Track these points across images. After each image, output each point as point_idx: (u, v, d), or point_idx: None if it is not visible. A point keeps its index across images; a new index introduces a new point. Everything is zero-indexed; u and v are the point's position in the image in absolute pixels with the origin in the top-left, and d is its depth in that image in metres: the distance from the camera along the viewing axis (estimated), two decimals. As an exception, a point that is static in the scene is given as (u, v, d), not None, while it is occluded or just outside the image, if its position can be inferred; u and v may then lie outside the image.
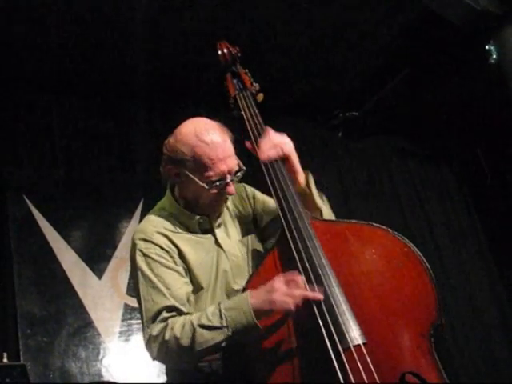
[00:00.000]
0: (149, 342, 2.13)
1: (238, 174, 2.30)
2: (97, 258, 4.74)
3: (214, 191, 2.25)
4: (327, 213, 2.37)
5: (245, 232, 2.45)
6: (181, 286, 2.19)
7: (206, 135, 2.22)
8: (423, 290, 2.02)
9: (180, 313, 2.14)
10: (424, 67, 5.55)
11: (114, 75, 5.01)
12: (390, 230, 2.14)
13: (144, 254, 2.23)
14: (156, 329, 2.11)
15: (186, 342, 2.04)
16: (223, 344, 2.04)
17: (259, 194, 2.55)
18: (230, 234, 2.41)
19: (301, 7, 4.80)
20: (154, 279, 2.19)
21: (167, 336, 2.07)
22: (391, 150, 6.82)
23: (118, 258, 4.74)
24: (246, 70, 2.68)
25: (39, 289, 4.43)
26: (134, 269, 2.26)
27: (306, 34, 5.13)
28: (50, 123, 4.94)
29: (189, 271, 2.25)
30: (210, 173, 2.21)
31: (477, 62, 5.20)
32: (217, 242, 2.35)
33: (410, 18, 5.12)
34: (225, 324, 2.00)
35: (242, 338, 2.02)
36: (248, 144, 2.42)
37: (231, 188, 2.28)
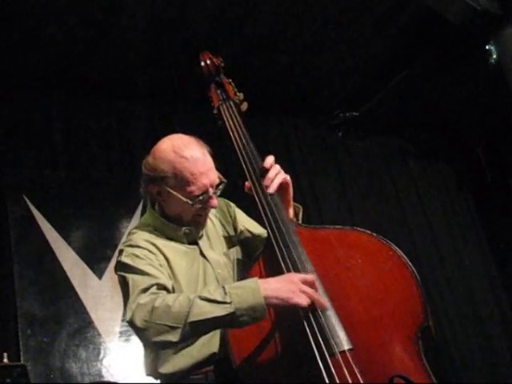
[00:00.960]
0: (134, 313, 1.96)
1: (220, 186, 2.29)
2: (97, 258, 4.73)
3: (198, 206, 2.23)
4: None
5: (229, 244, 2.43)
6: (167, 280, 2.12)
7: (184, 150, 2.21)
8: (409, 294, 2.01)
9: (169, 292, 2.07)
10: (424, 67, 5.55)
11: (115, 75, 5.02)
12: (374, 234, 2.13)
13: (130, 254, 2.19)
14: (144, 299, 1.97)
15: (178, 310, 1.88)
16: (220, 322, 1.89)
17: (240, 212, 2.55)
18: (213, 246, 2.39)
19: (300, 7, 4.81)
20: (141, 269, 2.12)
21: (157, 303, 1.92)
22: (391, 149, 6.82)
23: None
24: (230, 80, 2.66)
25: (39, 289, 4.43)
26: (119, 267, 2.21)
27: (306, 34, 5.14)
28: (49, 123, 4.95)
29: (174, 279, 2.20)
30: (193, 188, 2.19)
31: (477, 62, 5.19)
32: (202, 254, 2.33)
33: (409, 18, 5.12)
34: (228, 300, 1.86)
35: (243, 319, 1.87)
36: (247, 184, 2.36)
37: (214, 201, 2.27)
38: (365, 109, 5.99)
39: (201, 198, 2.21)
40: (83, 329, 4.48)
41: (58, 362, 4.31)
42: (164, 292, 2.04)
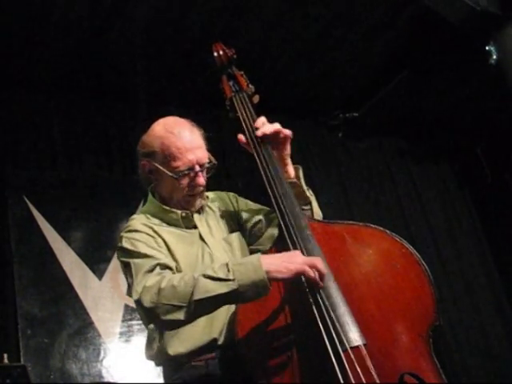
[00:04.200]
0: (141, 295, 2.03)
1: (208, 165, 2.34)
2: (97, 259, 4.72)
3: (184, 182, 2.29)
4: (315, 205, 2.43)
5: (229, 230, 2.47)
6: (169, 260, 2.19)
7: (173, 127, 2.32)
8: (421, 291, 2.02)
9: (173, 272, 2.13)
10: (424, 68, 5.56)
11: (114, 75, 5.02)
12: (387, 231, 2.14)
13: (129, 238, 2.25)
14: (150, 281, 2.04)
15: (184, 289, 1.94)
16: (225, 299, 1.95)
17: (241, 198, 2.60)
18: (213, 232, 2.42)
19: (300, 7, 4.81)
20: (142, 252, 2.18)
21: (163, 284, 1.99)
22: (391, 150, 6.83)
23: (119, 259, 4.72)
24: (242, 72, 2.66)
25: (39, 289, 4.42)
26: (120, 254, 2.27)
27: (306, 35, 5.14)
28: (50, 123, 4.94)
29: (173, 260, 2.25)
30: (178, 163, 2.27)
31: (477, 63, 5.19)
32: (201, 238, 2.37)
33: (409, 19, 5.13)
34: (231, 277, 1.91)
35: (247, 295, 1.92)
36: (241, 137, 2.42)
37: (201, 179, 2.31)
38: (365, 109, 6.00)
39: (186, 172, 2.27)
40: (83, 329, 4.48)
41: (58, 362, 4.30)
42: (168, 271, 2.11)
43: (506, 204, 6.75)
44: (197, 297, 1.92)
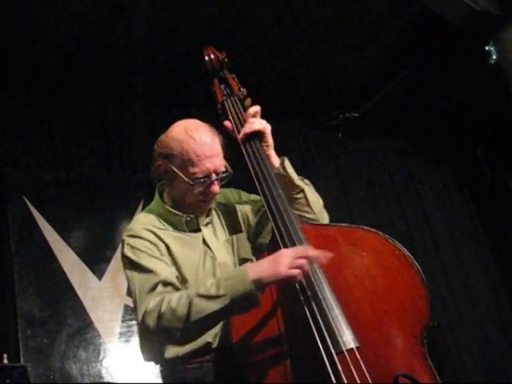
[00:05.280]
0: (144, 318, 2.09)
1: (224, 175, 2.33)
2: (97, 259, 4.73)
3: (199, 189, 2.29)
4: (310, 193, 2.41)
5: (232, 233, 2.46)
6: (170, 273, 2.21)
7: (195, 132, 2.29)
8: (415, 293, 2.01)
9: (175, 287, 2.16)
10: (424, 68, 5.56)
11: (114, 75, 5.02)
12: (380, 232, 2.13)
13: (132, 247, 2.26)
14: (151, 303, 2.09)
15: (182, 311, 2.00)
16: (220, 314, 2.01)
17: (244, 193, 2.59)
18: (217, 234, 2.43)
19: (300, 8, 4.81)
20: (144, 265, 2.20)
21: (163, 308, 2.04)
22: (391, 150, 6.83)
23: (119, 259, 4.73)
24: (234, 75, 2.65)
25: (39, 290, 4.43)
26: (125, 262, 2.29)
27: (306, 35, 5.14)
28: (50, 123, 4.95)
29: (175, 265, 2.26)
30: (196, 169, 2.26)
31: (477, 63, 5.20)
32: (204, 242, 2.37)
33: (409, 19, 5.12)
34: (222, 293, 1.96)
35: (239, 308, 1.98)
36: (227, 123, 2.45)
37: (215, 187, 2.31)
38: (364, 109, 6.00)
39: (202, 180, 2.27)
40: (83, 330, 4.48)
41: (57, 362, 4.30)
42: (169, 289, 2.14)
43: (506, 204, 6.76)
44: (194, 317, 1.99)
